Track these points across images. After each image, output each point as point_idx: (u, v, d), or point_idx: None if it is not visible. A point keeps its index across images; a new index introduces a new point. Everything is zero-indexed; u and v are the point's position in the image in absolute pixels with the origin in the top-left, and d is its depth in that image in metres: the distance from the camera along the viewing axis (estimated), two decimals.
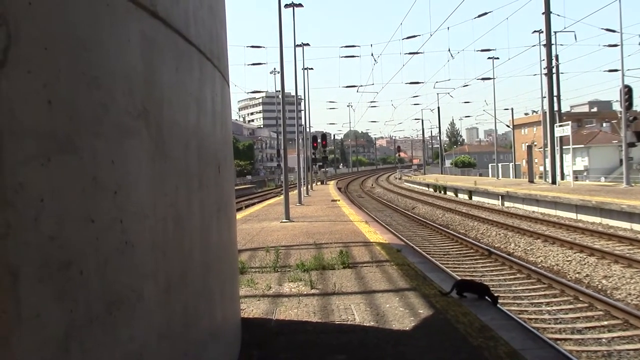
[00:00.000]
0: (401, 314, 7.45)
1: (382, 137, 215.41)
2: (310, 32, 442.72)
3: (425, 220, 26.78)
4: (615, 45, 34.87)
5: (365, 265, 11.24)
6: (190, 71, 3.70)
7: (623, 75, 31.07)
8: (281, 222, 20.75)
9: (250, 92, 74.73)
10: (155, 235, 2.92)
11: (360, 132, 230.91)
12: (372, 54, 43.59)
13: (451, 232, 22.25)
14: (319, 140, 52.84)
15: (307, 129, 51.30)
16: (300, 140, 37.14)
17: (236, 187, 59.15)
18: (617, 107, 38.12)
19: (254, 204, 38.82)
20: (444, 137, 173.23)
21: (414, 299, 8.26)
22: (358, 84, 54.18)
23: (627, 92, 30.88)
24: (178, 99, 3.40)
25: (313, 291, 9.01)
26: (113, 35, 2.50)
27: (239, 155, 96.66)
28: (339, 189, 56.84)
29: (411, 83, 51.73)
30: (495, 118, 54.19)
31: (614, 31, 33.94)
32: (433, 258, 16.49)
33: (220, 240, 4.76)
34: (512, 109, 63.87)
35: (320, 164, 62.75)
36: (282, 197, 22.86)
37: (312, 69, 46.16)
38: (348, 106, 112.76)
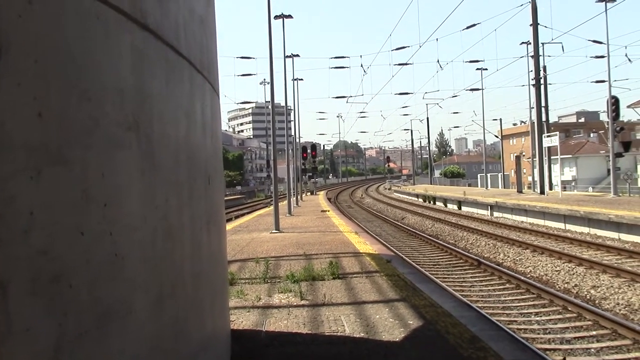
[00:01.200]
0: (391, 325, 7.45)
1: (371, 148, 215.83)
2: (300, 43, 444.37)
3: (414, 231, 26.83)
4: (602, 57, 35.27)
5: (355, 276, 11.23)
6: (181, 83, 3.71)
7: (610, 86, 31.39)
8: (271, 232, 20.71)
9: (240, 103, 74.90)
10: (145, 247, 2.92)
11: (349, 142, 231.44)
12: (361, 65, 43.73)
13: (441, 242, 22.30)
14: (308, 151, 52.91)
15: (297, 140, 51.38)
16: (290, 150, 37.18)
17: (226, 198, 59.09)
18: (604, 117, 38.52)
19: (243, 214, 38.73)
20: (433, 148, 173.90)
21: (404, 309, 8.26)
22: (348, 95, 54.59)
23: (614, 102, 31.16)
24: (168, 111, 3.41)
25: (303, 302, 8.99)
26: (104, 47, 2.51)
27: (228, 165, 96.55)
28: (329, 199, 56.86)
29: (400, 94, 51.93)
30: (484, 128, 54.54)
31: (600, 43, 34.33)
32: (423, 269, 16.52)
33: (211, 252, 4.75)
34: (500, 120, 64.25)
35: (310, 174, 62.80)
36: (272, 207, 22.84)
37: (302, 79, 46.33)
38: (338, 117, 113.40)
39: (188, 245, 3.82)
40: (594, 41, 35.32)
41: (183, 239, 3.69)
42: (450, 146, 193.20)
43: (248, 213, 39.45)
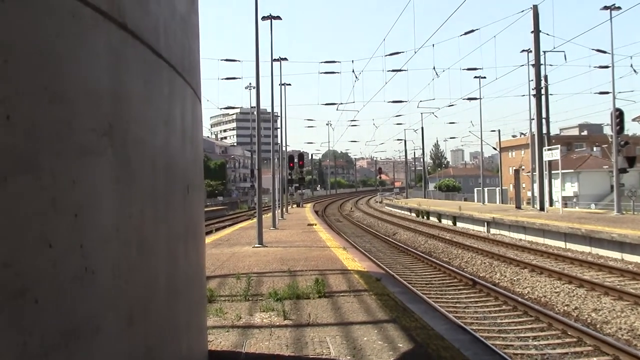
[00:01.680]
0: (380, 347, 7.44)
1: (362, 158, 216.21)
2: (289, 47, 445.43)
3: (406, 247, 26.86)
4: (607, 67, 35.64)
5: (342, 294, 11.22)
6: (160, 86, 3.71)
7: (614, 97, 31.71)
8: (254, 247, 20.66)
9: (224, 108, 74.89)
10: (118, 261, 2.91)
11: (339, 152, 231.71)
12: (353, 71, 43.98)
13: (434, 260, 22.34)
14: (295, 160, 52.94)
15: (283, 148, 51.39)
16: (276, 159, 37.18)
17: (206, 209, 58.85)
18: (608, 130, 38.83)
19: (225, 227, 38.60)
20: (428, 159, 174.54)
21: (394, 331, 8.25)
22: (338, 102, 54.79)
23: (619, 115, 31.47)
24: (146, 116, 3.41)
25: (286, 322, 8.96)
26: (78, 48, 2.51)
27: (210, 174, 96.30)
28: (316, 212, 56.84)
29: (394, 102, 52.02)
30: (482, 140, 54.88)
31: (605, 52, 34.72)
32: (414, 288, 16.53)
33: (188, 266, 4.73)
34: (499, 131, 64.70)
35: (297, 185, 62.82)
36: (255, 220, 22.79)
37: (289, 84, 46.45)
38: (327, 125, 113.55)
39: (164, 260, 3.81)
40: (598, 50, 35.71)
41: (158, 253, 3.68)
42: (445, 158, 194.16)
43: (230, 225, 39.33)
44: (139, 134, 3.28)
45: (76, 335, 2.42)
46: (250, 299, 10.90)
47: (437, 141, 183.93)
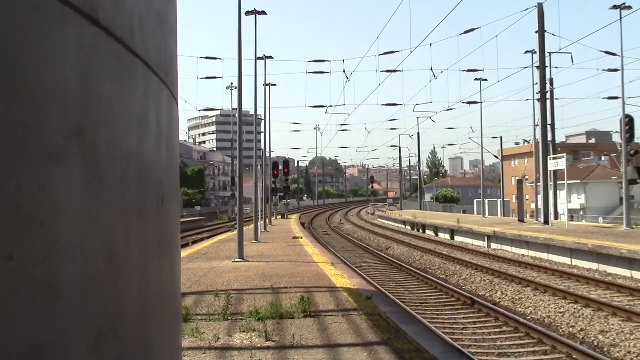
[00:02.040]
0: None
1: (353, 166, 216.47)
2: (275, 45, 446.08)
3: (400, 263, 26.91)
4: (616, 70, 35.94)
5: (329, 314, 11.22)
6: (134, 86, 3.71)
7: (624, 103, 31.94)
8: (234, 261, 20.62)
9: (203, 110, 74.79)
10: (85, 275, 2.90)
11: (328, 159, 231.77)
12: (344, 71, 43.97)
13: (430, 277, 22.39)
14: (280, 168, 52.95)
15: (267, 154, 51.39)
16: (259, 166, 37.15)
17: (182, 220, 58.72)
18: (617, 138, 39.11)
19: (202, 239, 38.50)
20: (424, 168, 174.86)
21: (385, 354, 8.26)
22: (327, 104, 54.96)
23: (628, 122, 31.74)
24: (118, 118, 3.41)
25: (268, 344, 8.95)
26: (44, 43, 2.51)
27: (187, 182, 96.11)
28: (302, 224, 56.84)
29: (388, 105, 52.18)
30: (482, 147, 55.07)
31: (614, 54, 35.03)
32: (408, 307, 16.56)
33: (162, 282, 4.73)
34: (501, 138, 65.07)
35: (281, 194, 62.77)
36: (236, 232, 22.77)
37: (274, 85, 46.51)
38: (315, 129, 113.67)
39: (135, 274, 3.80)
40: (607, 52, 36.03)
41: (130, 267, 3.68)
42: (443, 166, 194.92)
43: (208, 238, 39.24)
44: (110, 137, 3.29)
45: (39, 357, 2.41)
46: (229, 318, 10.88)
47: (434, 148, 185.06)
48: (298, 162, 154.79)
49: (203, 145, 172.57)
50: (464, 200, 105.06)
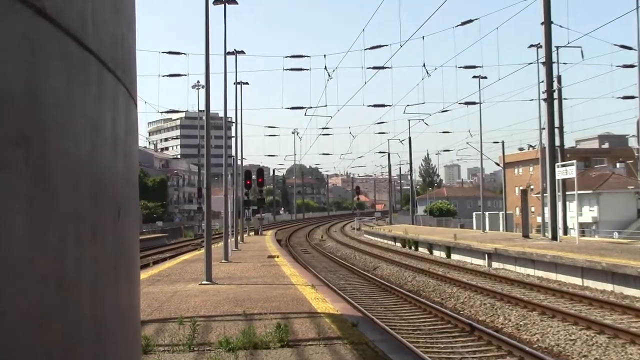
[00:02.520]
0: None
1: (336, 175, 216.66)
2: (247, 39, 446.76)
3: (390, 285, 26.96)
4: (632, 66, 36.35)
5: (310, 343, 11.22)
6: (86, 85, 3.71)
7: None
8: (201, 284, 20.56)
9: (165, 112, 74.66)
10: (31, 300, 2.90)
11: (308, 167, 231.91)
12: (325, 68, 43.89)
13: (423, 300, 22.46)
14: (253, 177, 52.92)
15: (239, 162, 51.36)
16: (229, 176, 37.06)
17: (142, 237, 58.49)
18: (633, 143, 39.45)
19: (165, 259, 38.33)
20: (417, 177, 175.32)
21: None
22: (306, 106, 54.70)
23: None
24: (69, 121, 3.41)
25: None
26: None
27: (147, 194, 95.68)
28: (279, 241, 56.80)
29: (375, 106, 52.23)
30: (482, 153, 55.49)
31: (629, 48, 35.42)
32: (399, 334, 16.59)
33: (118, 308, 4.72)
34: (502, 143, 65.37)
35: (255, 208, 62.66)
36: (203, 250, 22.70)
37: (247, 83, 46.26)
38: (293, 133, 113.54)
39: (88, 299, 3.79)
40: (622, 46, 36.43)
41: (81, 291, 3.67)
42: (438, 175, 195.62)
43: (171, 257, 39.07)
44: (59, 143, 3.29)
45: None
46: (195, 348, 10.84)
47: (427, 154, 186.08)
48: (274, 170, 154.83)
49: (165, 152, 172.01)
50: (461, 213, 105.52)
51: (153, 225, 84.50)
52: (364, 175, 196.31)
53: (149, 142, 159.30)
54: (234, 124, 49.64)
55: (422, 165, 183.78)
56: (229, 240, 32.12)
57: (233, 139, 52.25)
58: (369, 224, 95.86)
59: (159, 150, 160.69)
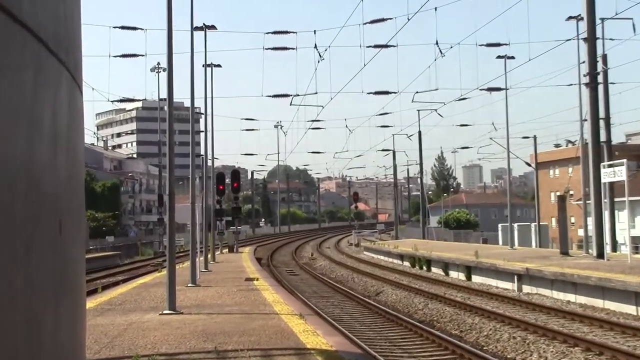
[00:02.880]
0: None
1: (329, 178, 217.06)
2: (219, 11, 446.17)
3: (396, 314, 26.94)
4: None
5: None
6: (21, 69, 3.71)
7: None
8: (162, 314, 20.51)
9: (118, 101, 74.11)
10: None
11: (294, 169, 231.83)
12: (315, 46, 43.74)
13: (438, 333, 22.44)
14: (227, 181, 52.99)
15: (209, 162, 51.28)
16: (198, 180, 37.05)
17: (89, 256, 58.26)
18: None
19: (117, 283, 38.24)
20: (428, 180, 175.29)
21: None
22: (292, 93, 54.36)
23: None
24: None
25: None
26: None
27: (95, 202, 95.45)
28: (259, 260, 56.69)
29: (377, 93, 52.13)
30: (509, 151, 55.54)
31: None
32: None
33: (59, 343, 4.72)
34: (534, 138, 65.47)
35: (229, 219, 62.53)
36: (165, 272, 22.66)
37: (219, 66, 46.13)
38: (276, 127, 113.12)
39: (21, 332, 3.79)
40: None
41: (12, 322, 3.67)
42: (455, 178, 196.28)
43: (126, 281, 38.98)
44: None
45: None
46: None
47: (441, 153, 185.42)
48: (252, 173, 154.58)
49: (118, 150, 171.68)
50: (484, 225, 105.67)
51: (102, 241, 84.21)
52: (363, 178, 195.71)
53: (98, 138, 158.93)
54: (203, 116, 49.54)
55: (435, 165, 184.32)
56: (197, 260, 32.06)
57: (202, 135, 52.12)
58: (369, 239, 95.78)
59: (110, 148, 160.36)
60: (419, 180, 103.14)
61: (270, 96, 52.62)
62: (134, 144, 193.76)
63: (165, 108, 22.88)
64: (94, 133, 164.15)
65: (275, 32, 42.67)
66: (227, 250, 63.81)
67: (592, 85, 37.22)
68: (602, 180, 35.88)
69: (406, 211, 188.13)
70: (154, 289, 28.90)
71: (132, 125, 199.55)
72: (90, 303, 23.79)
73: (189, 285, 28.76)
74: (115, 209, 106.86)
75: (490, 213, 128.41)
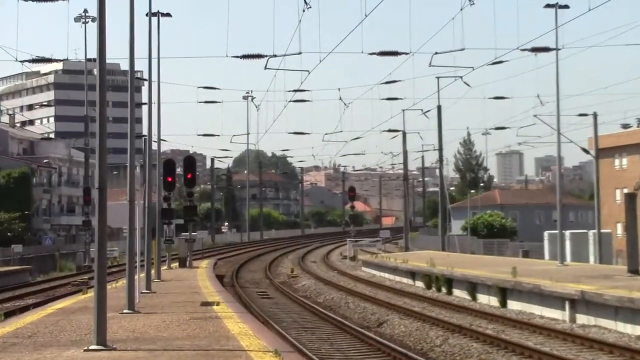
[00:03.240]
0: None
1: (317, 168, 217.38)
2: None
3: (406, 352, 26.97)
4: None
5: None
6: None
7: None
8: (87, 350, 20.45)
9: (30, 62, 73.78)
10: None
11: (270, 155, 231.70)
12: None
13: None
14: (178, 171, 52.82)
15: (154, 146, 51.14)
16: (138, 169, 36.99)
17: None
18: None
19: (27, 307, 38.19)
20: (451, 172, 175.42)
21: None
22: (268, 54, 53.50)
23: None
24: None
25: None
26: None
27: None
28: (220, 277, 56.71)
29: (382, 54, 52.00)
30: (559, 133, 55.59)
31: None
32: None
33: None
34: (594, 116, 65.59)
35: (181, 222, 62.45)
36: (92, 294, 22.60)
37: (168, 15, 45.82)
38: (246, 98, 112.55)
39: None
40: None
41: None
42: (486, 169, 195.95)
43: (38, 305, 38.94)
44: None
45: None
46: None
47: (468, 135, 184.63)
48: (213, 160, 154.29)
49: (30, 127, 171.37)
50: (525, 232, 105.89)
51: (6, 251, 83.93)
52: (362, 169, 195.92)
53: (1, 111, 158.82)
54: (146, 83, 49.45)
55: (459, 152, 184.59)
56: (137, 277, 32.04)
57: (145, 108, 51.72)
58: (370, 250, 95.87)
59: (19, 125, 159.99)
60: (437, 171, 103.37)
61: (238, 57, 52.25)
62: (51, 119, 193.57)
63: (95, 71, 22.80)
64: None
65: None
66: (177, 264, 63.79)
67: None
68: None
69: (420, 213, 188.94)
70: (77, 316, 28.86)
71: (49, 95, 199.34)
72: None
73: (125, 311, 28.73)
74: (24, 208, 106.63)
75: (533, 217, 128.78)
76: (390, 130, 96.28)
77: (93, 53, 33.69)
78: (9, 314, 34.05)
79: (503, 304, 40.27)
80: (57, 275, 73.47)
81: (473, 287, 45.14)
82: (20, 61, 69.90)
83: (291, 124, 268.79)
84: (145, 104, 46.65)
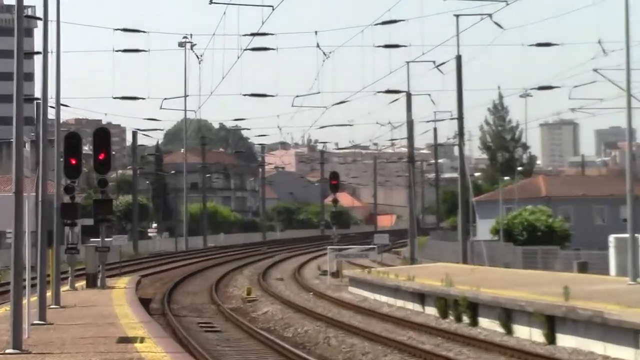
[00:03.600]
0: None
1: (284, 145, 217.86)
2: None
3: None
4: None
5: None
6: None
7: None
8: None
9: None
10: None
11: (217, 127, 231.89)
12: None
13: None
14: (86, 149, 52.69)
15: (47, 112, 51.03)
16: (28, 145, 36.83)
17: None
18: None
19: None
20: (476, 150, 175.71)
21: None
22: None
23: None
24: None
25: None
26: None
27: None
28: (146, 302, 56.82)
29: None
30: (630, 94, 55.72)
31: None
32: None
33: None
34: None
35: (90, 222, 62.38)
36: None
37: None
38: (183, 44, 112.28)
39: None
40: None
41: None
42: (527, 147, 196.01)
43: None
44: None
45: None
46: None
47: (500, 98, 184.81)
48: (135, 134, 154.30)
49: None
50: (581, 236, 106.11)
51: None
52: (349, 145, 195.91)
53: None
54: (40, 23, 49.38)
55: (487, 122, 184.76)
56: (27, 302, 31.98)
57: (39, 59, 51.33)
58: (360, 263, 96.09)
59: None
60: (455, 150, 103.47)
61: None
62: None
63: None
64: None
65: None
66: (84, 283, 63.69)
67: None
68: None
69: (432, 210, 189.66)
70: None
71: None
72: None
73: (7, 351, 28.61)
74: None
75: (593, 214, 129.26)
76: (389, 92, 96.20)
77: None
78: None
79: (550, 338, 40.22)
80: None
81: (507, 315, 45.10)
82: None
83: (248, 82, 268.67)
84: (39, 52, 46.67)
